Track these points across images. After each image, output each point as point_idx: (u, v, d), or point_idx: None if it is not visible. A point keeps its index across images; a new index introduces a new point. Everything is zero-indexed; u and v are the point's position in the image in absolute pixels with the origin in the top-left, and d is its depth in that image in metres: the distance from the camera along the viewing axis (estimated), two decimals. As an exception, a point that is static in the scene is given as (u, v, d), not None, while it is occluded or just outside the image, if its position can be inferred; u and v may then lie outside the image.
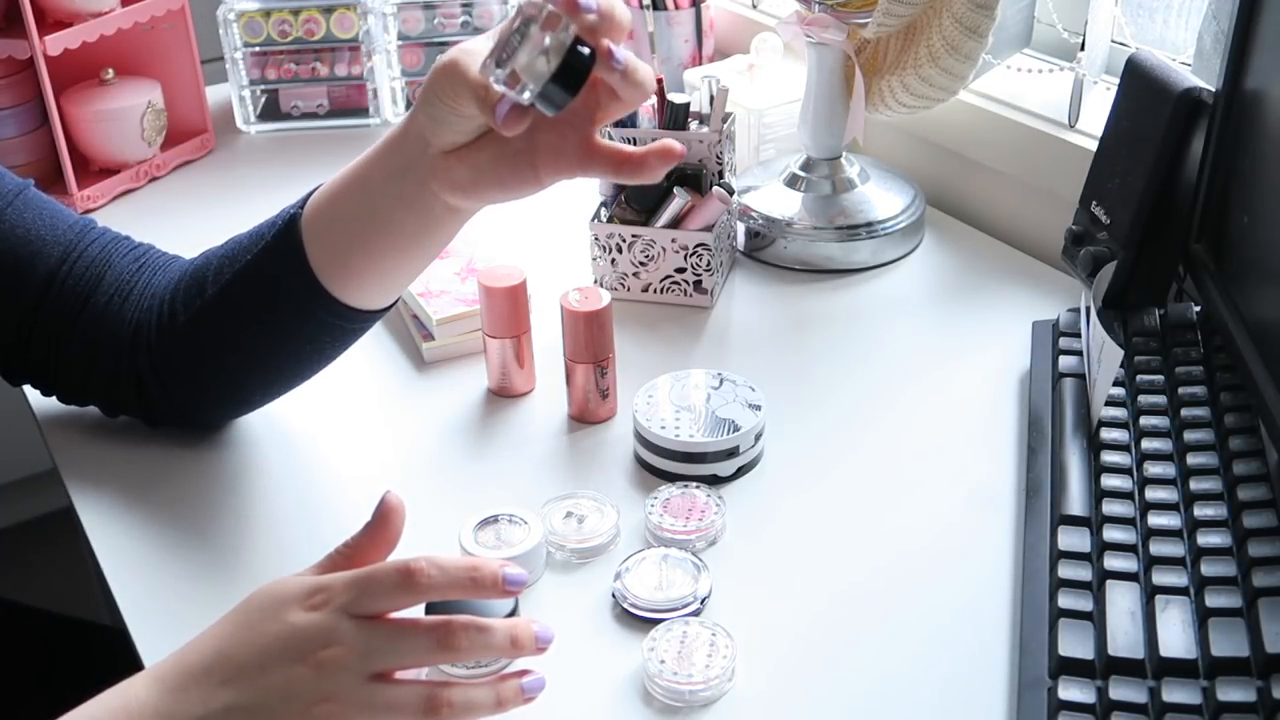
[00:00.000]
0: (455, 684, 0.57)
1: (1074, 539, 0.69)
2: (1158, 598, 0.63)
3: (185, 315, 0.78)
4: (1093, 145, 0.94)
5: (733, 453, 0.80)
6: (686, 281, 0.99)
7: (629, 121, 1.01)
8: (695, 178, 1.01)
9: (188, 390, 0.81)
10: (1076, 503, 0.71)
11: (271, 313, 0.77)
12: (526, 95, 0.63)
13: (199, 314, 0.78)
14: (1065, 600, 0.65)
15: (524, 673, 0.60)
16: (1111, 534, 0.68)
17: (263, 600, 0.58)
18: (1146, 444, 0.74)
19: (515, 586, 0.58)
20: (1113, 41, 1.04)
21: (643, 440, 0.82)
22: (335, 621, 0.56)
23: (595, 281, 1.02)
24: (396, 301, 0.81)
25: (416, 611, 0.60)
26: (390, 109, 1.36)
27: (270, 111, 1.37)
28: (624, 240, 0.99)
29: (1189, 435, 0.74)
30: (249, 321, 0.77)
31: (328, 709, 0.55)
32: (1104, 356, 0.77)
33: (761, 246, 1.06)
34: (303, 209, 0.76)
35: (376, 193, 0.73)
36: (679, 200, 0.97)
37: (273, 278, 0.76)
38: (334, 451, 0.86)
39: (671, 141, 0.68)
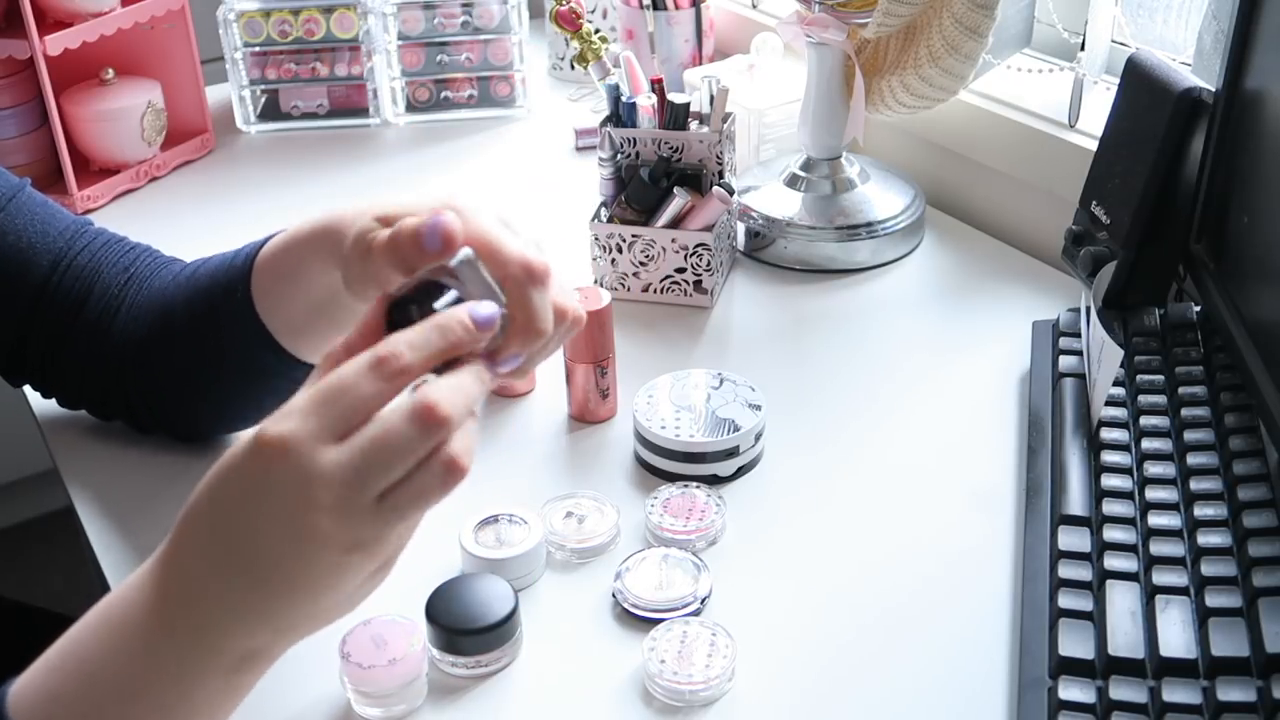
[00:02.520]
0: (449, 437, 0.50)
1: (1074, 539, 0.69)
2: (1158, 598, 0.63)
3: (162, 345, 0.78)
4: (1093, 145, 0.94)
5: (733, 453, 0.80)
6: (686, 281, 0.99)
7: (629, 121, 1.01)
8: (695, 178, 1.01)
9: (173, 411, 0.81)
10: (1076, 503, 0.71)
11: (236, 365, 0.75)
12: None
13: (170, 355, 0.77)
14: (1065, 600, 0.65)
15: (493, 356, 0.53)
16: (1111, 534, 0.68)
17: (229, 484, 0.50)
18: (1146, 444, 0.74)
19: (487, 324, 0.52)
20: (1113, 41, 1.04)
21: (643, 440, 0.81)
22: (307, 463, 0.48)
23: (595, 281, 1.02)
24: None
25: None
26: (390, 109, 1.36)
27: (270, 111, 1.37)
28: (624, 240, 0.99)
29: (1189, 435, 0.74)
30: (216, 370, 0.76)
31: (358, 555, 0.49)
32: (1104, 356, 0.77)
33: (761, 246, 1.06)
34: (250, 278, 0.72)
35: (317, 280, 0.68)
36: (679, 200, 0.97)
37: (234, 337, 0.74)
38: (334, 451, 0.86)
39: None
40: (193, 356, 0.77)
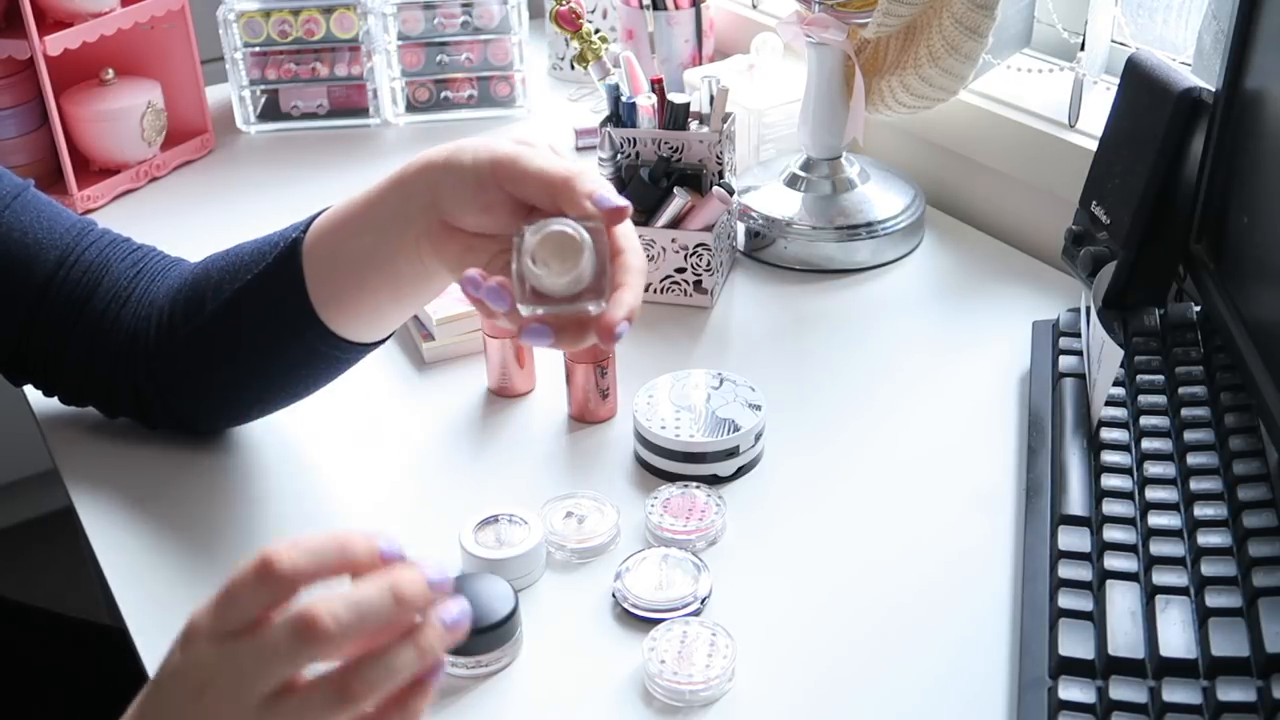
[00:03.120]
0: (366, 658, 0.50)
1: (1074, 539, 0.69)
2: (1158, 598, 0.63)
3: (184, 329, 0.78)
4: (1093, 145, 0.94)
5: (733, 453, 0.80)
6: (686, 281, 0.99)
7: (629, 121, 1.01)
8: (695, 178, 1.01)
9: (185, 400, 0.81)
10: (1076, 503, 0.71)
11: (268, 337, 0.76)
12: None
13: (197, 329, 0.77)
14: (1065, 600, 0.65)
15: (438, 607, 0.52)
16: (1111, 534, 0.68)
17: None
18: (1146, 444, 0.74)
19: (392, 554, 0.51)
20: (1113, 41, 1.04)
21: (643, 440, 0.81)
22: (196, 655, 0.49)
23: (595, 281, 1.02)
24: (393, 334, 0.80)
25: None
26: (390, 109, 1.36)
27: (270, 111, 1.37)
28: (624, 240, 0.99)
29: (1189, 435, 0.74)
30: (246, 343, 0.77)
31: None
32: (1104, 356, 0.77)
33: (761, 246, 1.06)
34: (305, 234, 0.74)
35: (377, 237, 0.71)
36: (679, 200, 0.97)
37: (271, 303, 0.75)
38: (334, 451, 0.86)
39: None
40: (220, 326, 0.77)
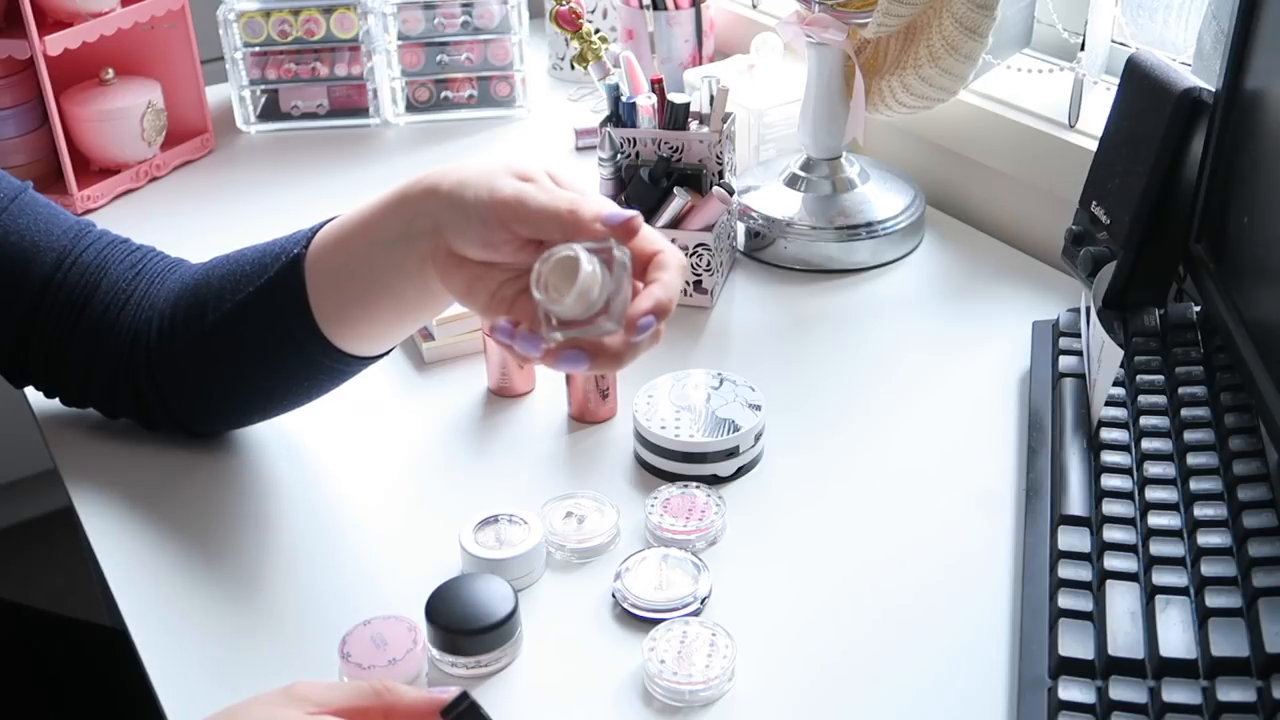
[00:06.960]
0: None
1: (1074, 539, 0.69)
2: (1158, 598, 0.63)
3: (185, 337, 0.78)
4: (1093, 145, 0.94)
5: (733, 453, 0.80)
6: (686, 281, 0.99)
7: (629, 121, 1.01)
8: (695, 178, 1.01)
9: (185, 404, 0.81)
10: (1076, 503, 0.71)
11: (269, 349, 0.76)
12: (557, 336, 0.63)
13: (198, 338, 0.77)
14: (1065, 600, 0.65)
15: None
16: (1111, 534, 0.68)
17: None
18: (1146, 444, 0.74)
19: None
20: (1113, 41, 1.04)
21: (643, 440, 0.82)
22: None
23: (595, 281, 1.02)
24: (394, 348, 0.80)
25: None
26: (390, 109, 1.36)
27: (270, 111, 1.37)
28: (624, 240, 0.99)
29: (1189, 435, 0.74)
30: (247, 353, 0.77)
31: None
32: (1104, 356, 0.77)
33: (761, 246, 1.06)
34: (307, 249, 0.74)
35: (379, 255, 0.71)
36: (679, 200, 0.97)
37: (273, 317, 0.75)
38: (334, 451, 0.86)
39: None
40: (222, 336, 0.77)
